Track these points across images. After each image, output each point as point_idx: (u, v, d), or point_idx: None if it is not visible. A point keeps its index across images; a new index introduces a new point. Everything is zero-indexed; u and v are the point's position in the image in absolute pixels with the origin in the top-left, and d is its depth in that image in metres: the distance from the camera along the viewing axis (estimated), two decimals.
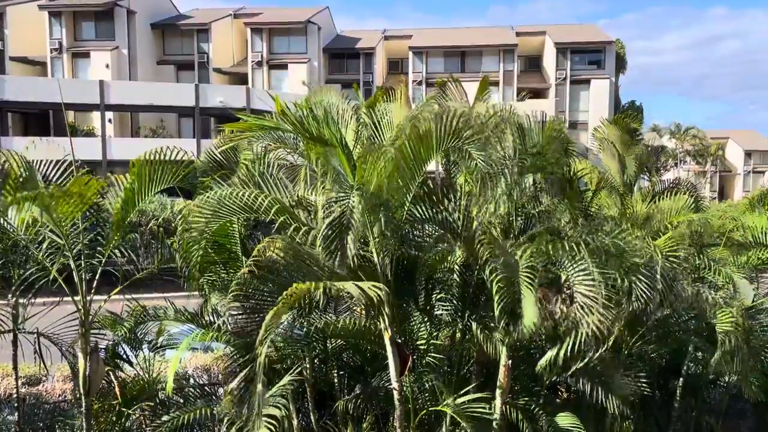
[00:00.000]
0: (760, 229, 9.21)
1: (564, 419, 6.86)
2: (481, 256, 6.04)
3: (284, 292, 4.92)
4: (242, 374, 4.98)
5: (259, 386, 4.89)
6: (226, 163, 7.53)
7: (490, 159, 5.99)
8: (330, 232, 5.46)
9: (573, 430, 6.74)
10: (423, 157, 5.84)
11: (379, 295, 5.44)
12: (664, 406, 9.06)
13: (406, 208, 6.17)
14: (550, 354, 6.15)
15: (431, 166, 6.52)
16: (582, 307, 5.71)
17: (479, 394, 6.33)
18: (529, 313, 5.45)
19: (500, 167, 6.22)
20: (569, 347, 5.93)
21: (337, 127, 5.86)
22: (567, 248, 5.90)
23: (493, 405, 6.53)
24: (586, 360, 6.60)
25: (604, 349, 6.41)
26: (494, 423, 6.48)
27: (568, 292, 5.98)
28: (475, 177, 6.43)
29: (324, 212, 5.74)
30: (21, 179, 5.88)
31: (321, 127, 5.63)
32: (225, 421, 6.02)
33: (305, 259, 5.54)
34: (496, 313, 5.61)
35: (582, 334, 5.71)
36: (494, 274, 5.66)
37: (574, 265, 5.90)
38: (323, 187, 6.31)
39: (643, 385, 7.60)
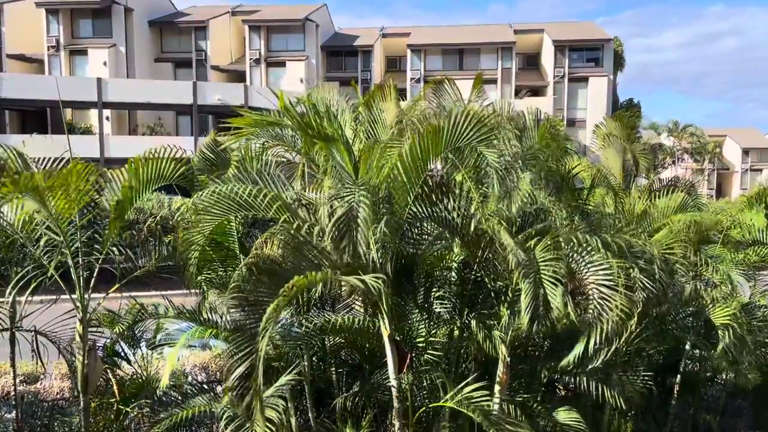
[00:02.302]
0: (757, 226, 9.24)
1: (563, 413, 6.87)
2: (484, 253, 6.03)
3: (285, 285, 4.91)
4: (240, 370, 4.96)
5: (260, 380, 4.89)
6: (219, 162, 7.51)
7: (501, 157, 6.00)
8: (338, 230, 5.46)
9: (572, 424, 6.74)
10: (430, 156, 5.83)
11: (379, 289, 5.44)
12: (662, 403, 9.08)
13: (408, 207, 6.17)
14: (576, 351, 6.15)
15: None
16: (600, 301, 5.73)
17: (480, 383, 6.33)
18: (557, 307, 5.46)
19: (508, 165, 6.23)
20: (592, 343, 5.92)
21: (339, 123, 5.85)
22: (581, 242, 5.92)
23: (492, 401, 6.53)
24: (602, 358, 6.59)
25: (617, 344, 6.40)
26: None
27: (568, 288, 5.98)
28: (474, 175, 6.42)
29: (328, 210, 5.72)
30: (17, 173, 5.85)
31: (323, 123, 5.62)
32: (223, 418, 6.01)
33: (305, 254, 5.53)
34: (523, 308, 5.58)
35: (605, 327, 5.71)
36: (518, 270, 5.64)
37: (585, 258, 5.92)
38: (324, 185, 6.31)
39: (642, 382, 7.61)
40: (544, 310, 5.62)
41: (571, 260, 6.09)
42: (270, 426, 5.20)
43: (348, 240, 5.45)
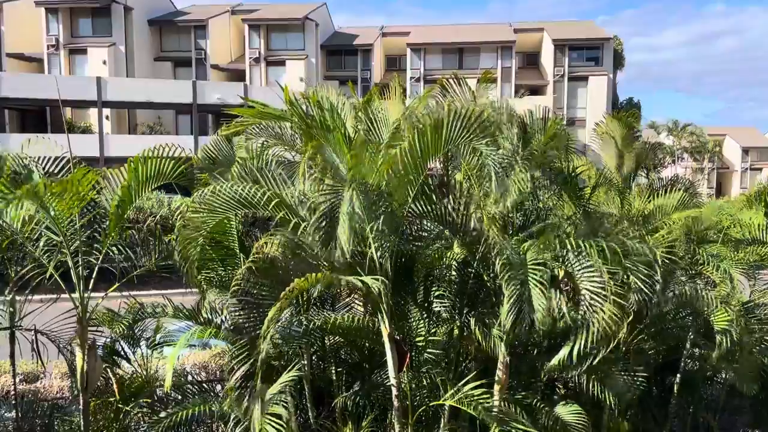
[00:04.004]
0: (757, 225, 9.24)
1: (563, 408, 6.87)
2: (483, 252, 6.02)
3: (286, 288, 4.92)
4: (241, 370, 4.96)
5: (258, 381, 4.89)
6: (223, 160, 7.52)
7: (499, 155, 5.99)
8: (321, 225, 5.44)
9: (572, 419, 6.74)
10: (430, 153, 5.82)
11: (378, 288, 5.44)
12: (662, 402, 9.09)
13: (408, 205, 6.16)
14: (563, 352, 6.15)
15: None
16: (590, 305, 5.72)
17: (479, 382, 6.34)
18: (539, 309, 5.46)
19: (507, 163, 6.23)
20: (581, 344, 5.91)
21: (342, 120, 5.85)
22: (573, 244, 5.91)
23: (492, 399, 6.54)
24: (597, 358, 6.59)
25: (612, 346, 6.39)
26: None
27: (566, 288, 5.98)
28: (476, 174, 6.42)
29: (314, 205, 5.71)
30: (18, 175, 5.86)
31: (325, 119, 5.62)
32: (231, 420, 6.00)
33: (305, 254, 5.53)
34: (505, 308, 5.58)
35: (594, 331, 5.71)
36: (505, 270, 5.63)
37: (580, 262, 5.91)
38: (322, 183, 6.29)
39: (641, 381, 7.61)
40: (527, 312, 5.62)
41: (567, 262, 6.09)
42: (278, 423, 5.21)
43: (334, 239, 5.42)
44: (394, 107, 7.30)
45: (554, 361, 6.23)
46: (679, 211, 8.29)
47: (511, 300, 5.56)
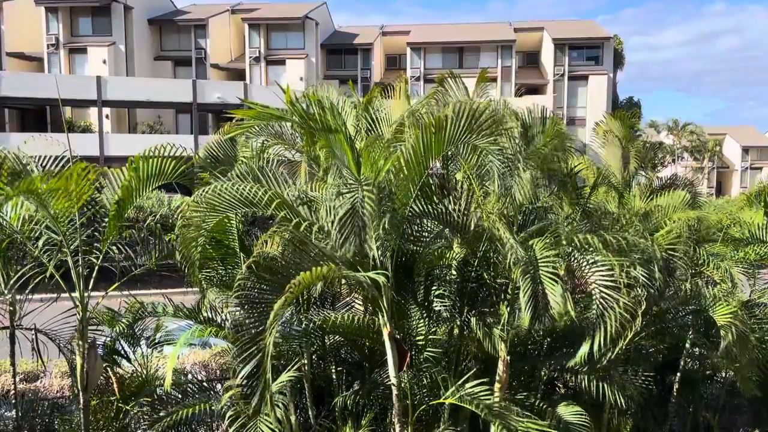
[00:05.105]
0: (757, 224, 9.24)
1: (564, 408, 6.87)
2: (484, 251, 6.01)
3: (291, 282, 4.92)
4: (246, 370, 4.95)
5: (269, 377, 4.88)
6: (224, 159, 7.52)
7: (503, 155, 6.00)
8: (342, 226, 5.45)
9: (574, 420, 6.74)
10: (433, 153, 5.82)
11: (379, 286, 5.44)
12: (662, 401, 9.09)
13: (409, 204, 6.17)
14: (582, 351, 6.14)
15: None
16: (603, 300, 5.73)
17: (480, 381, 6.34)
18: (557, 303, 5.46)
19: (509, 162, 6.23)
20: (600, 340, 5.91)
21: (343, 120, 5.84)
22: (581, 239, 5.91)
23: (492, 398, 6.53)
24: (614, 353, 6.59)
25: (622, 344, 6.40)
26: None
27: (566, 287, 5.98)
28: (475, 173, 6.42)
29: (332, 204, 5.71)
30: (16, 173, 5.85)
31: (326, 116, 5.61)
32: (227, 418, 6.00)
33: (307, 252, 5.53)
34: (523, 303, 5.59)
35: (608, 328, 5.71)
36: (517, 267, 5.63)
37: (586, 257, 5.91)
38: (324, 183, 6.30)
39: (641, 380, 7.61)
40: (543, 307, 5.62)
41: (572, 259, 6.09)
42: (277, 424, 5.20)
43: (353, 237, 5.44)
44: (399, 106, 7.30)
45: (577, 358, 6.21)
46: (680, 212, 8.29)
47: (527, 295, 5.56)
